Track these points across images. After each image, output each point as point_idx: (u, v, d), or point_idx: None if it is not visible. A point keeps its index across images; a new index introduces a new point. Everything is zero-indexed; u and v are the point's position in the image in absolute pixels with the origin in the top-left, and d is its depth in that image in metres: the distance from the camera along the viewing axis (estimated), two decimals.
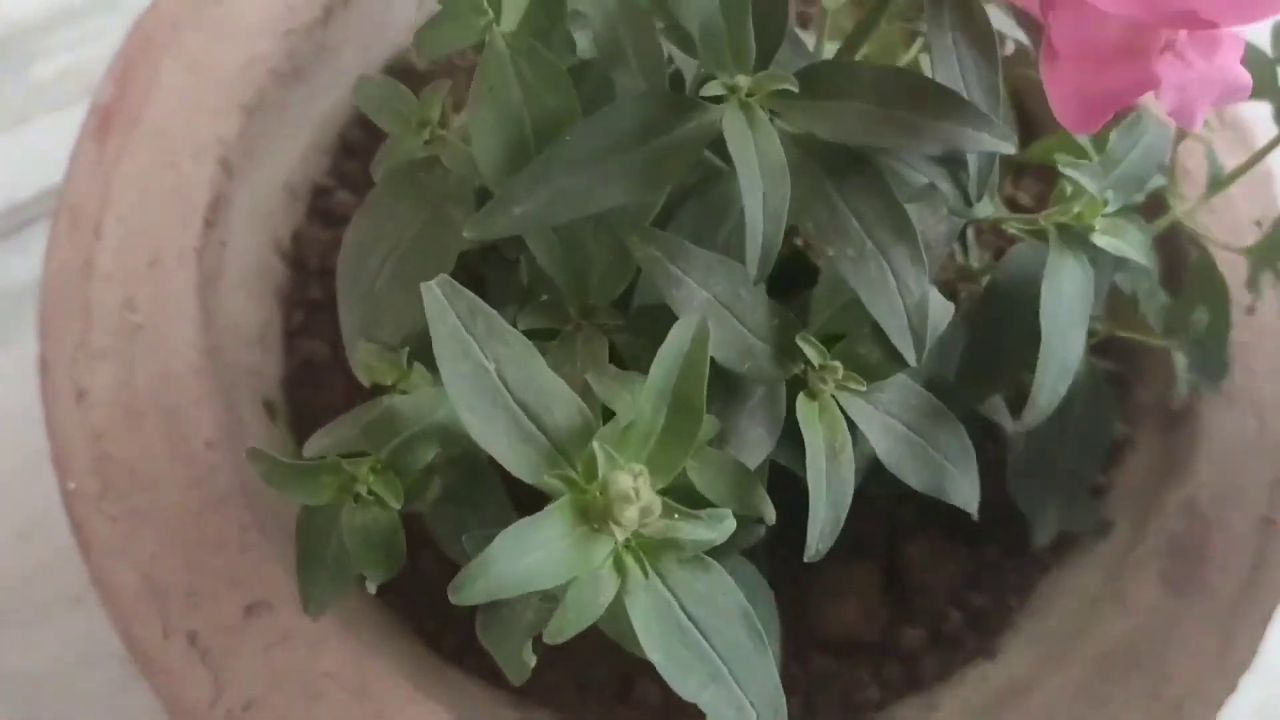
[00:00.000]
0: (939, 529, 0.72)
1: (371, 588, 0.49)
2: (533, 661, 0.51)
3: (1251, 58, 0.65)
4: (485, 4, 0.38)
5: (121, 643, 0.61)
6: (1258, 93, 0.64)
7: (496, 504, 0.50)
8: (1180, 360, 0.61)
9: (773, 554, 0.71)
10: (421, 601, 0.66)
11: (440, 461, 0.49)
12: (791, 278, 0.52)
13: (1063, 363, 0.46)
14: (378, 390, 0.52)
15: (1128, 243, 0.46)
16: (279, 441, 0.70)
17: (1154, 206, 0.67)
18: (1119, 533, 0.70)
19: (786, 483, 0.57)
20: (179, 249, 0.67)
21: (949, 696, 0.67)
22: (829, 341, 0.45)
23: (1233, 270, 0.71)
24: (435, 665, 0.63)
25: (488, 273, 0.53)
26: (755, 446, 0.46)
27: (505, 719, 0.64)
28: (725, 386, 0.46)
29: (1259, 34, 0.66)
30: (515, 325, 0.41)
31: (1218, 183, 0.66)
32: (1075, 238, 0.46)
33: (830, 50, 0.52)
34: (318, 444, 0.49)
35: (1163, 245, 0.69)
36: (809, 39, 0.54)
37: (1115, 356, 0.71)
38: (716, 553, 0.54)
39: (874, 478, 0.70)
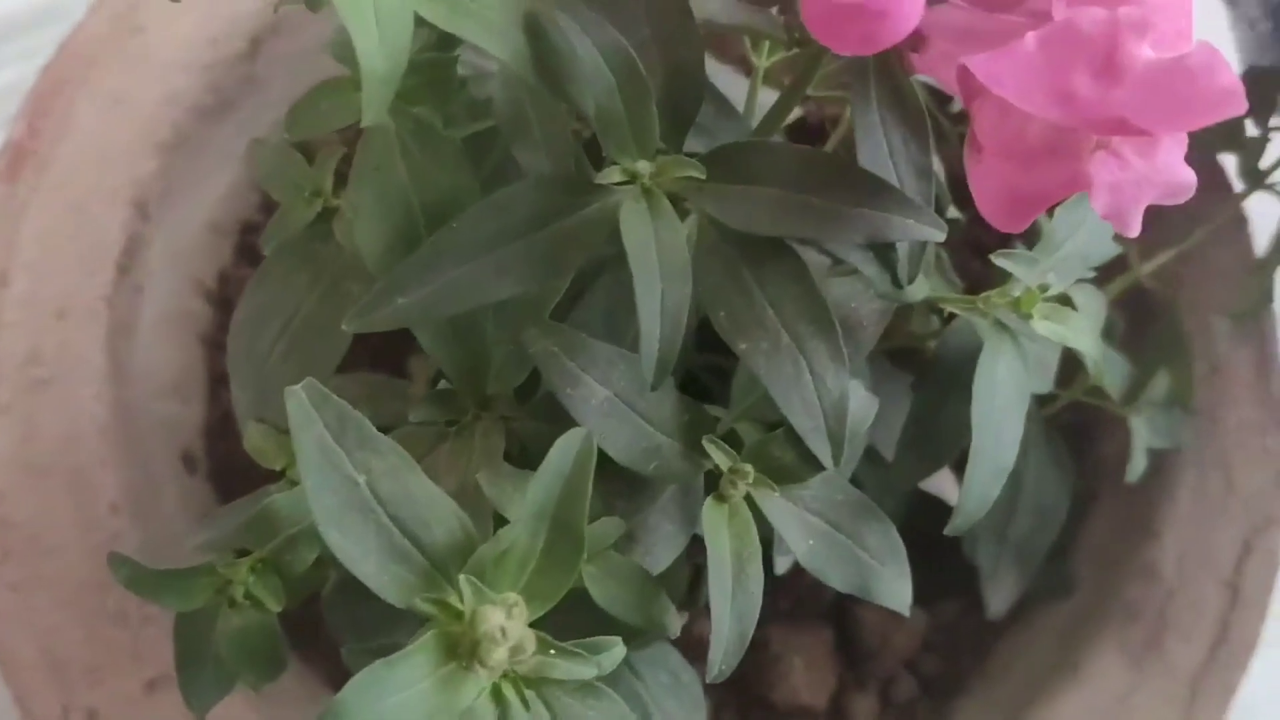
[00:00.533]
0: None
1: (255, 690, 0.46)
2: None
3: None
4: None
5: (20, 718, 0.58)
6: (1226, 146, 0.61)
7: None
8: (1139, 431, 0.58)
9: None
10: (332, 650, 0.63)
11: (334, 557, 0.46)
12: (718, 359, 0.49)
13: (995, 463, 0.42)
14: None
15: (1071, 329, 0.43)
16: (198, 497, 0.67)
17: (1117, 263, 0.64)
18: (1080, 594, 0.67)
19: None
20: (88, 299, 0.63)
21: None
22: (746, 437, 0.41)
23: (1204, 323, 0.68)
24: None
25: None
26: (666, 544, 0.42)
27: None
28: (634, 482, 0.42)
29: None
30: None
31: (1183, 240, 0.63)
32: (1012, 323, 0.42)
33: (768, 104, 0.49)
34: (199, 538, 0.46)
35: (1127, 304, 0.66)
36: (744, 88, 0.51)
37: (1077, 409, 0.68)
38: (635, 637, 0.51)
39: None
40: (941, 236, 0.39)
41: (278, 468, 0.48)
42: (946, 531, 0.43)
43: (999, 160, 0.33)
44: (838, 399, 0.39)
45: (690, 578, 0.48)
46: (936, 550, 0.68)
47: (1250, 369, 0.70)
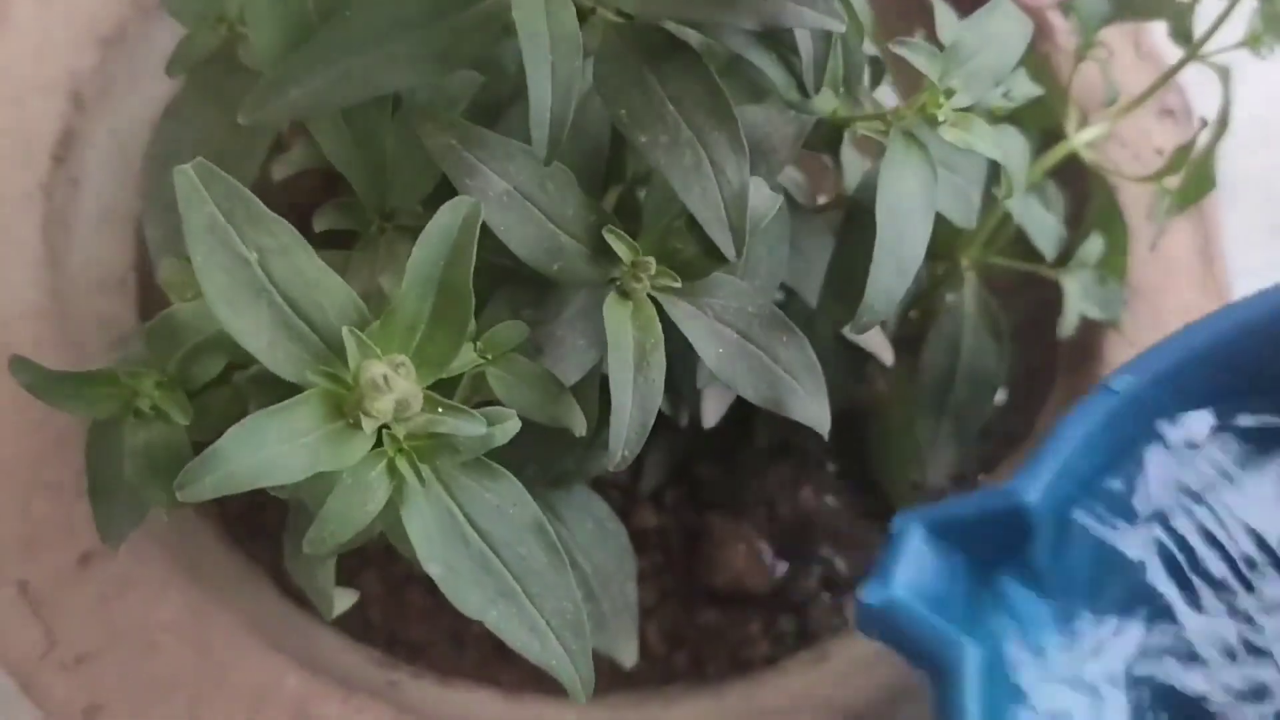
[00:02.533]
0: (832, 477, 0.69)
1: (164, 515, 0.46)
2: (347, 598, 0.48)
3: None
4: None
5: None
6: (1152, 11, 0.62)
7: None
8: (1071, 289, 0.58)
9: (660, 504, 0.68)
10: (276, 545, 0.62)
11: (249, 385, 0.46)
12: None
13: (900, 261, 0.42)
14: None
15: (978, 137, 0.43)
16: None
17: (1052, 134, 0.64)
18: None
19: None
20: (23, 186, 0.63)
21: (839, 647, 0.63)
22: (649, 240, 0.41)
23: (1141, 204, 0.68)
24: (289, 615, 0.60)
25: None
26: (575, 358, 0.42)
27: (368, 678, 0.61)
28: (540, 294, 0.42)
29: None
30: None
31: (1115, 106, 0.63)
32: (920, 131, 0.42)
33: None
34: (108, 359, 0.46)
35: (1071, 181, 0.66)
36: None
37: (1037, 296, 0.68)
38: (563, 481, 0.51)
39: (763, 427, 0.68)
40: (841, 27, 0.39)
41: (190, 298, 0.48)
42: (849, 329, 0.43)
43: None
44: (738, 189, 0.39)
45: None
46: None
47: (1193, 253, 0.70)
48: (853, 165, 0.57)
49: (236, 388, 0.45)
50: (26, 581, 0.57)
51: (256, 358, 0.36)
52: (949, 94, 0.43)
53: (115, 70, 0.68)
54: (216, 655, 0.56)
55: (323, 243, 0.42)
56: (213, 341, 0.42)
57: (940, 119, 0.42)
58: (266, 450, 0.33)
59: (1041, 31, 0.70)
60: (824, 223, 0.55)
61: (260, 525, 0.65)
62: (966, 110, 0.44)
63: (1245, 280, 0.68)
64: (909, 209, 0.42)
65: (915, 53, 0.42)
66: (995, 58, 0.45)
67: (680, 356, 0.44)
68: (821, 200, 0.59)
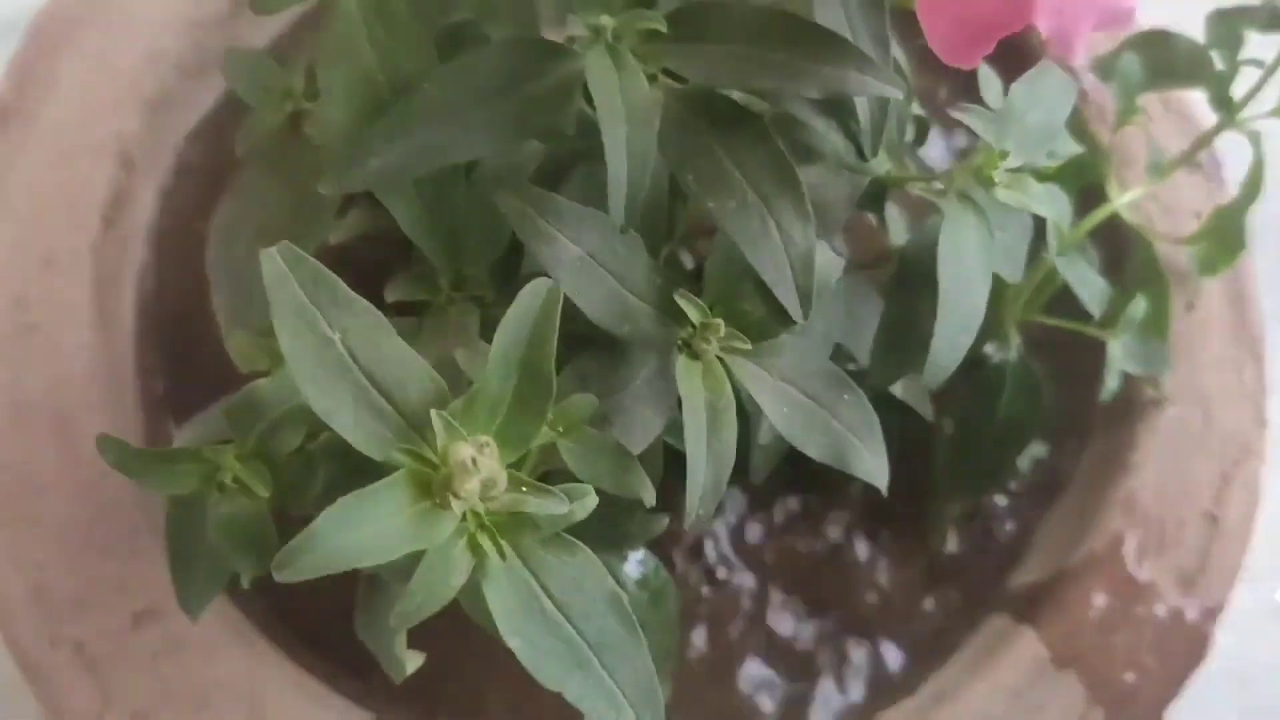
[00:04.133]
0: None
1: (245, 582, 0.46)
2: (415, 660, 0.48)
3: (1185, 46, 0.63)
4: None
5: (8, 651, 0.58)
6: (1193, 79, 0.63)
7: None
8: (1114, 350, 0.59)
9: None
10: (323, 611, 0.63)
11: (321, 454, 0.47)
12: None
13: (963, 318, 0.43)
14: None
15: (1032, 197, 0.44)
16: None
17: (1095, 197, 0.65)
18: (1065, 524, 0.67)
19: None
20: (75, 248, 0.64)
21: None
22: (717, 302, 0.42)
23: (1179, 262, 0.69)
24: (336, 677, 0.60)
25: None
26: (642, 427, 0.43)
27: None
28: (609, 363, 0.43)
29: (1193, 23, 0.64)
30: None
31: (1158, 170, 0.64)
32: (975, 193, 0.43)
33: None
34: (187, 435, 0.47)
35: (1105, 238, 0.67)
36: None
37: (1077, 352, 0.68)
38: (622, 544, 0.51)
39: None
40: (900, 93, 0.40)
41: (262, 369, 0.48)
42: (926, 383, 0.44)
43: None
44: (804, 252, 0.40)
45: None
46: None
47: (1226, 305, 0.71)
48: (896, 222, 0.58)
49: (309, 455, 0.46)
50: (82, 642, 0.57)
51: (341, 435, 0.36)
52: (1004, 155, 0.44)
53: (161, 132, 0.69)
54: (269, 713, 0.57)
55: (392, 310, 0.43)
56: (292, 415, 0.43)
57: (996, 180, 0.43)
58: (360, 531, 0.34)
59: (1080, 93, 0.71)
60: (870, 279, 0.56)
61: (306, 595, 0.66)
62: (1018, 171, 0.45)
63: (1273, 326, 0.69)
64: (969, 269, 0.43)
65: (975, 118, 0.42)
66: (1045, 119, 0.46)
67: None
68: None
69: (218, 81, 0.70)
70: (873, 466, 0.45)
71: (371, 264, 0.52)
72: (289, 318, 0.36)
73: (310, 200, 0.45)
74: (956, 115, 0.42)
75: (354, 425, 0.36)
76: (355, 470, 0.49)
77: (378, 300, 0.50)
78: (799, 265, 0.40)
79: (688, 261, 0.55)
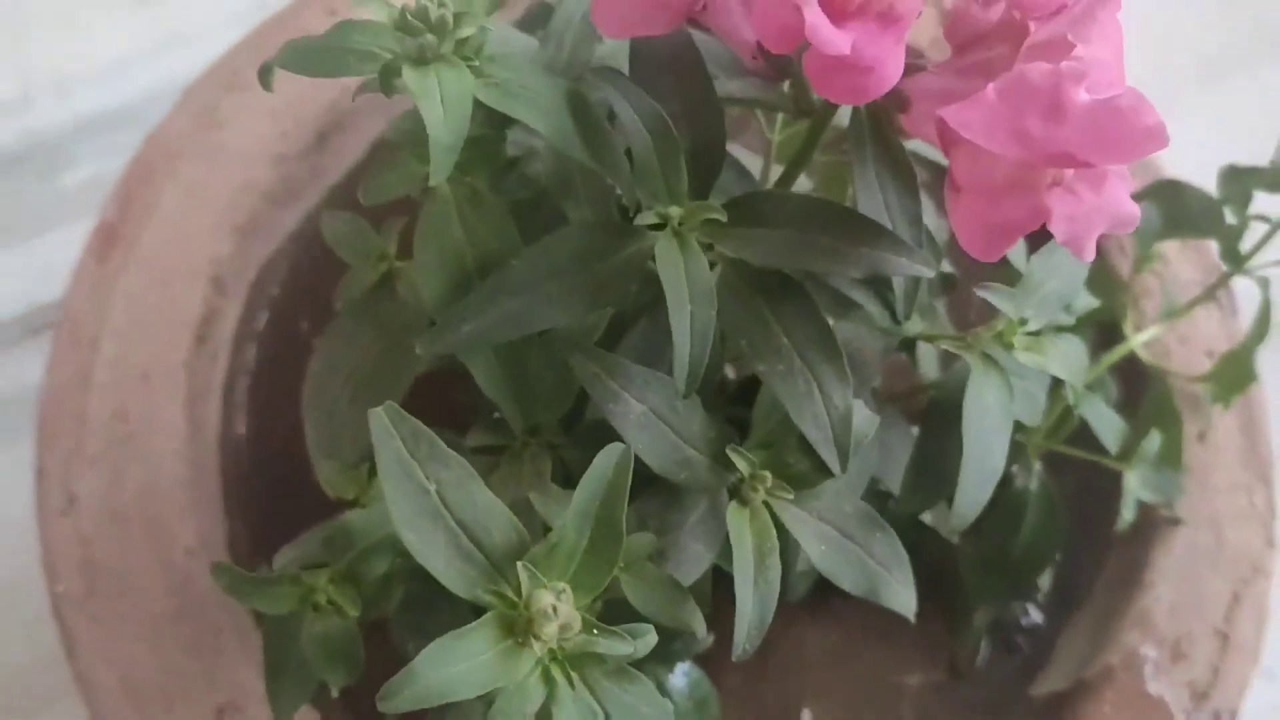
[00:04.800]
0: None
1: (335, 691, 0.51)
2: None
3: (1199, 199, 0.68)
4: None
5: None
6: (1206, 231, 0.68)
7: (455, 610, 0.52)
8: (1130, 483, 0.64)
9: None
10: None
11: (400, 570, 0.52)
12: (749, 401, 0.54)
13: (983, 471, 0.48)
14: (346, 504, 0.55)
15: (1051, 359, 0.49)
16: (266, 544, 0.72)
17: (1114, 332, 0.70)
18: (1082, 638, 0.71)
19: None
20: (170, 364, 0.70)
21: None
22: (763, 453, 0.47)
23: (1194, 392, 0.73)
24: None
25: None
26: (694, 562, 0.48)
27: None
28: (665, 504, 0.48)
29: (1207, 179, 0.69)
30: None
31: (1172, 313, 0.69)
32: (997, 354, 0.48)
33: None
34: (285, 557, 0.52)
35: (1124, 371, 0.72)
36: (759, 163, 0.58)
37: (1098, 472, 0.73)
38: (671, 660, 0.56)
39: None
40: (931, 273, 0.45)
41: (349, 497, 0.54)
42: (949, 532, 0.48)
43: (973, 197, 0.40)
44: (843, 413, 0.45)
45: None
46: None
47: (1237, 432, 0.75)
48: (928, 360, 0.63)
49: (389, 574, 0.51)
50: None
51: (435, 576, 0.41)
52: (1023, 323, 0.49)
53: (249, 254, 0.75)
54: None
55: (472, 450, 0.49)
56: (381, 544, 0.48)
57: (1015, 345, 0.48)
58: (453, 669, 0.39)
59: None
60: (902, 414, 0.61)
61: None
62: (1035, 334, 0.50)
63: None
64: (990, 425, 0.48)
65: (995, 295, 0.48)
66: (1061, 286, 0.51)
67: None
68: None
69: (300, 208, 0.77)
70: (903, 598, 0.50)
71: (444, 390, 0.58)
72: (392, 468, 0.42)
73: (398, 350, 0.50)
74: (980, 293, 0.48)
75: (445, 567, 0.41)
76: (430, 589, 0.54)
77: (458, 430, 0.55)
78: (838, 425, 0.45)
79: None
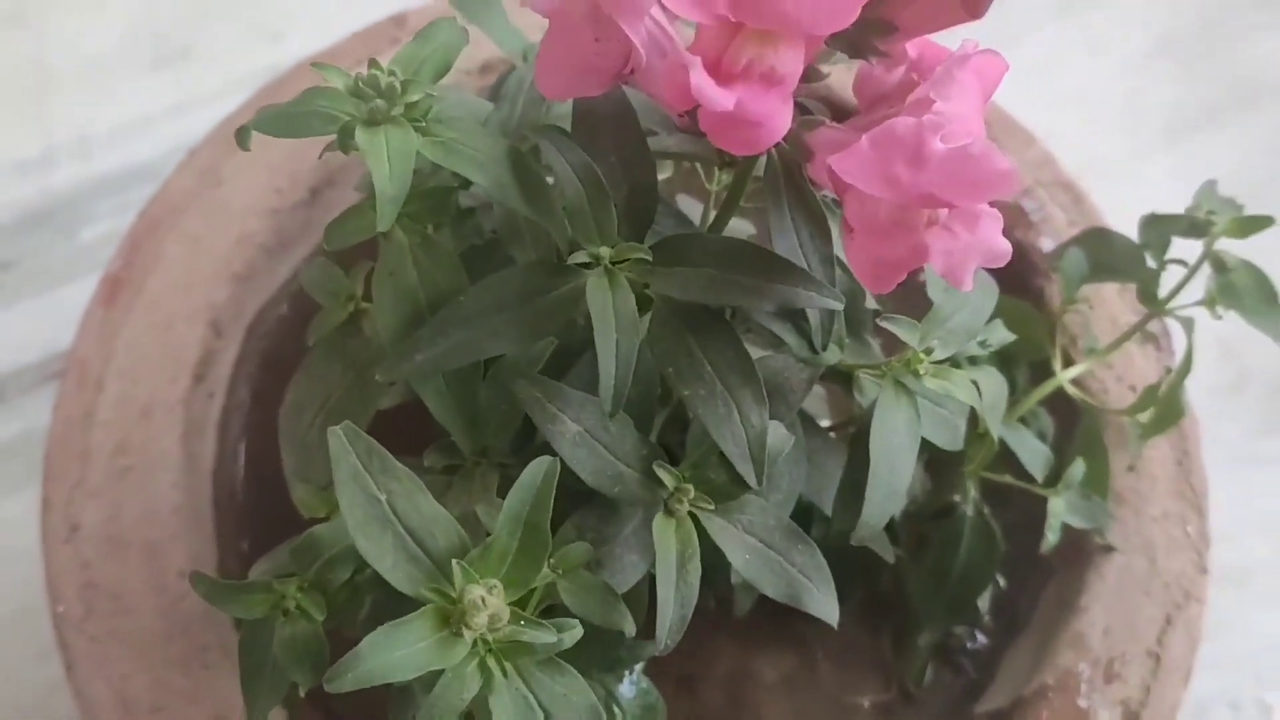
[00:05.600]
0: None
1: (302, 691, 0.56)
2: None
3: (1123, 245, 0.73)
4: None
5: None
6: (1129, 275, 0.73)
7: None
8: (1055, 507, 0.68)
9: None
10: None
11: (368, 583, 0.57)
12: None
13: (889, 488, 0.53)
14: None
15: (955, 385, 0.54)
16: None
17: (1048, 372, 0.75)
18: (1021, 657, 0.75)
19: None
20: (169, 401, 0.76)
21: None
22: (690, 469, 0.52)
23: (1121, 426, 0.78)
24: None
25: None
26: (629, 570, 0.53)
27: None
28: (602, 517, 0.53)
29: (1129, 225, 0.74)
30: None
31: (1094, 352, 0.74)
32: (908, 381, 0.53)
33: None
34: (260, 568, 0.57)
35: (1060, 406, 0.77)
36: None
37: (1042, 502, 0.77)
38: (616, 667, 0.60)
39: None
40: (839, 306, 0.50)
41: (321, 515, 0.59)
42: (852, 542, 0.53)
43: (863, 236, 0.45)
44: (759, 432, 0.50)
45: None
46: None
47: (1172, 464, 0.79)
48: (863, 391, 0.68)
49: (357, 585, 0.56)
50: None
51: (382, 575, 0.47)
52: (928, 352, 0.54)
53: (245, 300, 0.81)
54: None
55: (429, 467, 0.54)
56: (344, 554, 0.53)
57: (922, 372, 0.53)
58: (394, 653, 0.44)
59: (1038, 270, 0.81)
60: (838, 440, 0.66)
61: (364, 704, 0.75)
62: (944, 362, 0.55)
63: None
64: (897, 446, 0.53)
65: (897, 326, 0.53)
66: (969, 319, 0.56)
67: (714, 559, 0.54)
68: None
69: (294, 257, 0.83)
70: (824, 605, 0.54)
71: (416, 422, 0.63)
72: (346, 481, 0.47)
73: (366, 382, 0.56)
74: (885, 325, 0.53)
75: (393, 567, 0.47)
76: (393, 598, 0.59)
77: (419, 451, 0.60)
78: (755, 442, 0.50)
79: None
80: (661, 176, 0.78)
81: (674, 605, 0.49)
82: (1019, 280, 0.79)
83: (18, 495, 0.94)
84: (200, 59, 1.15)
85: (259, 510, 0.78)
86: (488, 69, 0.82)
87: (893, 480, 0.53)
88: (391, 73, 0.47)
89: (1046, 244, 0.80)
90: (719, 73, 0.41)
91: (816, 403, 0.75)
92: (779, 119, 0.42)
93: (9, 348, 1.03)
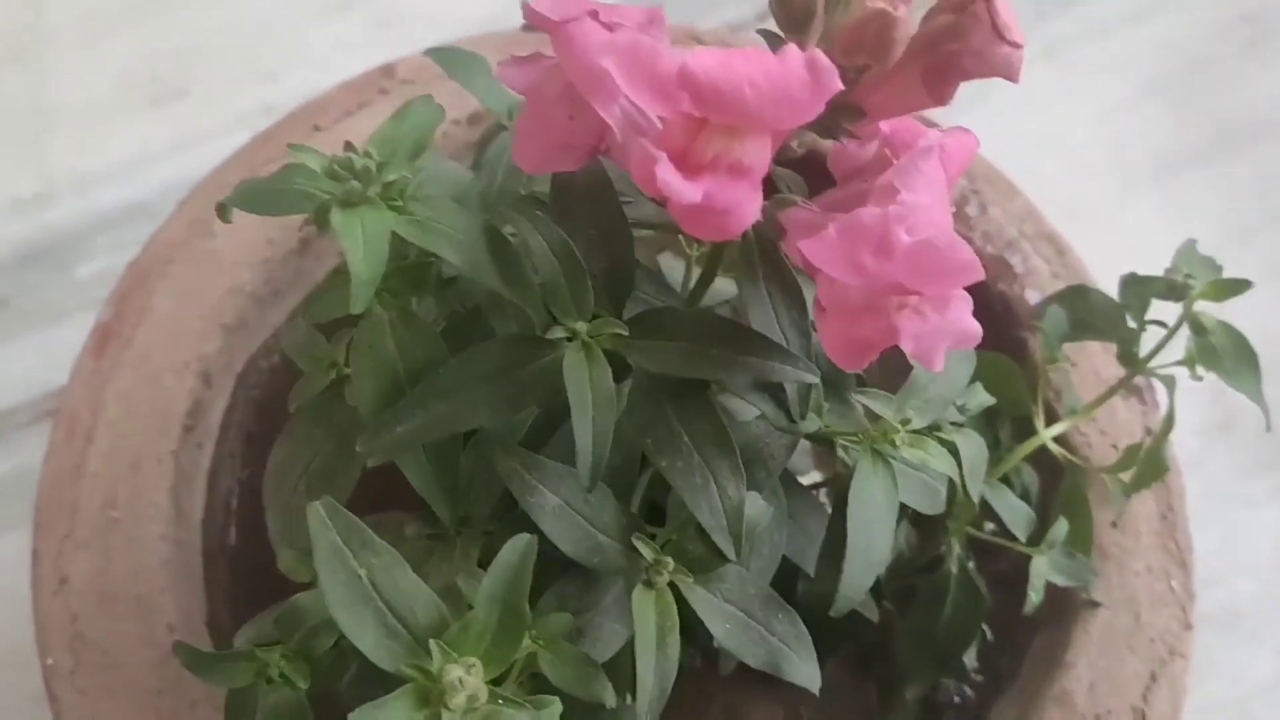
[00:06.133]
0: None
1: None
2: None
3: (1103, 304, 0.74)
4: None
5: None
6: (1108, 334, 0.73)
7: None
8: (1038, 566, 0.68)
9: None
10: None
11: (353, 648, 0.57)
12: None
13: (866, 558, 0.53)
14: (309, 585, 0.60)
15: (931, 454, 0.54)
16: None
17: (1031, 429, 0.75)
18: (1006, 718, 0.76)
19: None
20: (158, 453, 0.76)
21: None
22: (670, 540, 0.53)
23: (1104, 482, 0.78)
24: None
25: None
26: (610, 639, 0.53)
27: None
28: (583, 586, 0.53)
29: (1109, 284, 0.75)
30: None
31: (1075, 411, 0.74)
32: (885, 450, 0.54)
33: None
34: (244, 635, 0.57)
35: (1044, 463, 0.77)
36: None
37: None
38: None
39: None
40: (815, 379, 0.51)
41: (306, 580, 0.59)
42: (831, 613, 0.53)
43: (835, 317, 0.46)
44: (736, 504, 0.51)
45: None
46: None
47: (1157, 520, 0.80)
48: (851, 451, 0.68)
49: (342, 648, 0.56)
50: None
51: (363, 651, 0.47)
52: (904, 423, 0.54)
53: (236, 350, 0.81)
54: None
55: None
56: (328, 623, 0.54)
57: (898, 443, 0.54)
58: None
59: (1022, 323, 0.82)
60: (821, 500, 0.67)
61: None
62: (921, 432, 0.55)
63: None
64: (874, 515, 0.53)
65: (872, 400, 0.53)
66: (946, 387, 0.57)
67: (699, 621, 0.54)
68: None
69: (284, 307, 0.83)
70: (805, 672, 0.55)
71: (401, 479, 0.64)
72: (327, 557, 0.47)
73: (349, 446, 0.56)
74: (859, 400, 0.53)
75: (373, 645, 0.47)
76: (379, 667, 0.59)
77: (404, 506, 0.60)
78: (732, 514, 0.50)
79: None
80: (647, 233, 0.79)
81: (653, 679, 0.49)
82: (1003, 334, 0.80)
83: (12, 535, 0.94)
84: (197, 98, 1.16)
85: (249, 560, 0.78)
86: (475, 120, 0.83)
87: (870, 550, 0.53)
88: (367, 154, 0.48)
89: (1031, 296, 0.81)
90: (686, 164, 0.41)
91: (802, 456, 0.76)
92: (748, 207, 0.43)
93: (3, 385, 1.04)
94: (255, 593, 0.79)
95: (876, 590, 0.69)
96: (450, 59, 0.67)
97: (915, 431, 0.54)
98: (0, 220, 1.10)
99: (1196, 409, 1.00)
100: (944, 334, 0.45)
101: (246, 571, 0.78)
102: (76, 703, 0.69)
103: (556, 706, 0.47)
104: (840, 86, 0.40)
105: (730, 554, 0.51)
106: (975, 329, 0.46)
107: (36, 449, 0.87)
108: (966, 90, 0.47)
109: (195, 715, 0.69)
